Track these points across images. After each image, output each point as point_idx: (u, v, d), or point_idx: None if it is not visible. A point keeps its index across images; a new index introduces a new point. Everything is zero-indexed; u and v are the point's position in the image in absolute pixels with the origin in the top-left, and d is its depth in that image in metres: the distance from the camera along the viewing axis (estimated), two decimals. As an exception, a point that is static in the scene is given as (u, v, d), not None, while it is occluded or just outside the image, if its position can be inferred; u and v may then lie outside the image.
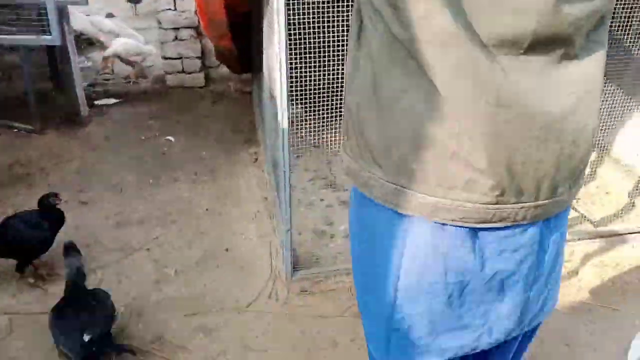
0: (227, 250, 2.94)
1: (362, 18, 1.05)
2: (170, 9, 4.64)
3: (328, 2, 2.32)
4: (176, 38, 4.78)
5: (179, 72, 4.89)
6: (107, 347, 2.13)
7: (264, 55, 3.12)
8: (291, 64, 2.26)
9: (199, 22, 4.73)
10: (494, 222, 1.04)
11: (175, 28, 4.73)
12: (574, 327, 2.45)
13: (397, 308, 1.17)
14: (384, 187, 1.07)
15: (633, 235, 2.95)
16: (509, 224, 1.06)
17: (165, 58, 4.83)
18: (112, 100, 4.69)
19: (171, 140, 3.94)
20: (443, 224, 1.05)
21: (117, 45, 4.89)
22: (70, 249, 2.35)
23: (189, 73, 4.91)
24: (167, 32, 4.73)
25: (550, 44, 0.93)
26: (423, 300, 1.13)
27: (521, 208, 1.04)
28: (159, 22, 4.70)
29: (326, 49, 2.42)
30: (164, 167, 3.73)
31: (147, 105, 4.66)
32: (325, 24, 2.35)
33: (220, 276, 2.75)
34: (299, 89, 2.50)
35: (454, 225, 1.05)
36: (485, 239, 1.08)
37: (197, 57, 4.87)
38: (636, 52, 2.82)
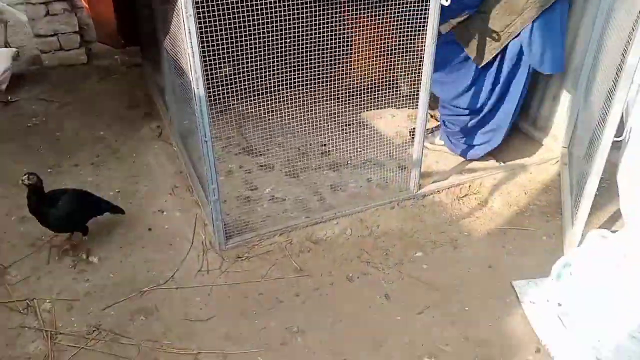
0: (150, 229, 2.82)
1: None
2: (37, -19, 4.20)
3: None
4: (48, 13, 4.35)
5: (56, 50, 4.47)
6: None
7: (160, 25, 2.97)
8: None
9: (71, -7, 4.35)
10: None
11: (46, 2, 4.30)
12: (493, 249, 2.68)
13: None
14: None
15: (530, 164, 3.25)
16: None
17: (39, 36, 4.39)
18: (-18, 88, 4.20)
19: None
20: None
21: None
22: None
23: (68, 50, 4.51)
24: (36, 7, 4.29)
25: None
26: None
27: None
28: (26, -3, 4.24)
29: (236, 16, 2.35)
30: (61, 153, 3.45)
31: (26, 89, 4.23)
32: None
33: (148, 256, 2.64)
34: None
35: None
36: None
37: (75, 32, 4.48)
38: None
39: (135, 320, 2.31)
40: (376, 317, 2.32)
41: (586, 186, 2.36)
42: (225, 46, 2.41)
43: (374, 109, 3.48)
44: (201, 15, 2.12)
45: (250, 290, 2.45)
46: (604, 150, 2.19)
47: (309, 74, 2.79)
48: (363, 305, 2.38)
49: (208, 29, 2.27)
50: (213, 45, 2.37)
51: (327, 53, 2.80)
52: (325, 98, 3.31)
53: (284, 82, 2.75)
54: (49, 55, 4.48)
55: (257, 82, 2.81)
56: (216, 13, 2.27)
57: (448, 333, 2.25)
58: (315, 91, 3.17)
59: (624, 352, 1.97)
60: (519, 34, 2.78)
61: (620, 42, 2.27)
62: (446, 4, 2.41)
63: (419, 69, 2.66)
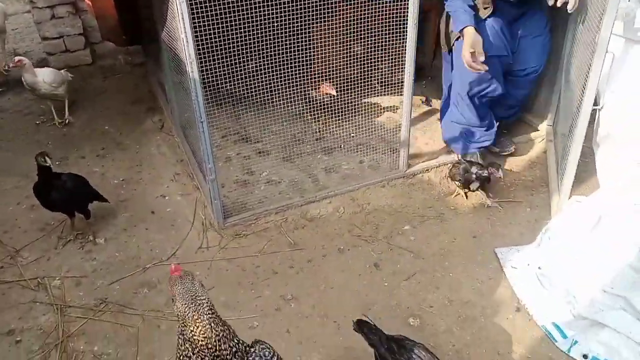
0: (152, 212, 2.97)
1: None
2: (42, -14, 4.39)
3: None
4: (53, 16, 4.54)
5: (62, 52, 4.66)
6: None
7: (159, 22, 3.12)
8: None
9: (75, -4, 4.53)
10: None
11: (51, 6, 4.49)
12: (478, 221, 2.80)
13: None
14: None
15: (517, 142, 3.37)
16: None
17: (45, 39, 4.58)
18: (-7, 91, 4.39)
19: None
20: None
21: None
22: None
23: (73, 51, 4.70)
24: (42, 11, 4.48)
25: None
26: None
27: None
28: (32, 2, 4.43)
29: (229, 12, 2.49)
30: (68, 147, 3.62)
31: (33, 90, 4.42)
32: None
33: (151, 236, 2.79)
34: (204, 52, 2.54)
35: None
36: None
37: (79, 34, 4.67)
38: None
39: (139, 293, 2.46)
40: (365, 284, 2.46)
41: (570, 154, 2.47)
42: (218, 32, 2.56)
43: (369, 97, 3.61)
44: (193, 2, 2.27)
45: (247, 264, 2.60)
46: (584, 117, 2.30)
47: (302, 64, 2.93)
48: (353, 274, 2.51)
49: (201, 15, 2.41)
50: (206, 32, 2.52)
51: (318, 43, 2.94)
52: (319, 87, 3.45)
53: (279, 71, 2.89)
54: (55, 57, 4.66)
55: (252, 70, 2.95)
56: None
57: (433, 296, 2.37)
58: (310, 80, 3.31)
59: (597, 304, 2.09)
60: None
61: (595, 18, 2.38)
62: None
63: (403, 53, 2.79)
